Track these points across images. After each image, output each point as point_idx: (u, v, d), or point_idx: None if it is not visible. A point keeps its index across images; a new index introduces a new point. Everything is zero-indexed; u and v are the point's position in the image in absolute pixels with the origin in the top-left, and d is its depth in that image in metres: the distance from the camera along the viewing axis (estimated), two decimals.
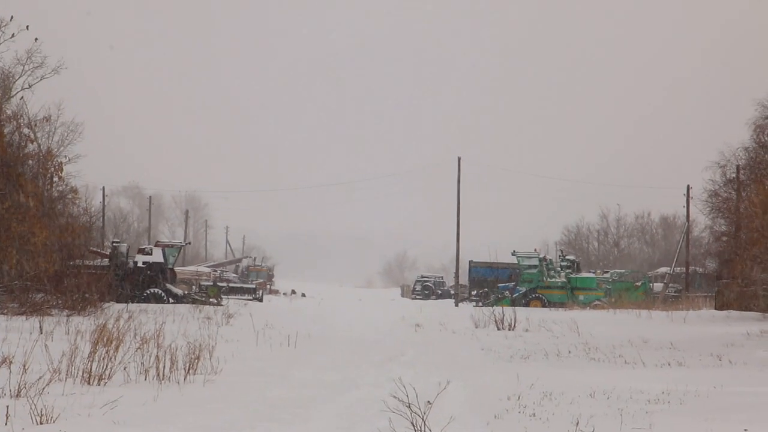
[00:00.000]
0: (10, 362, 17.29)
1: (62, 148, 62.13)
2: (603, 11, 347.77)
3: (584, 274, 72.84)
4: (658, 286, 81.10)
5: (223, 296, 61.50)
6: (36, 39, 47.07)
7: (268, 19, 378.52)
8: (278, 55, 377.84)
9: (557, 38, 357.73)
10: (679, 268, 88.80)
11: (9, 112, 46.64)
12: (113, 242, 59.26)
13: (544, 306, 65.53)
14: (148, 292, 54.43)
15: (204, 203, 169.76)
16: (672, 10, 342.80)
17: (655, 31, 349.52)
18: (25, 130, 47.65)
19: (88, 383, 16.65)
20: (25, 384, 14.59)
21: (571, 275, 69.89)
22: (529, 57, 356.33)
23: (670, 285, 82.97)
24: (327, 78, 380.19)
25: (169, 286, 56.01)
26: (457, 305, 78.10)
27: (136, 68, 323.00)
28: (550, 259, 72.98)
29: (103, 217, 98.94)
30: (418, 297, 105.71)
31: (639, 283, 73.91)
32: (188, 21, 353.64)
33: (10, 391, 14.47)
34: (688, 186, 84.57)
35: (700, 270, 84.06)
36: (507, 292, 69.56)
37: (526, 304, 65.54)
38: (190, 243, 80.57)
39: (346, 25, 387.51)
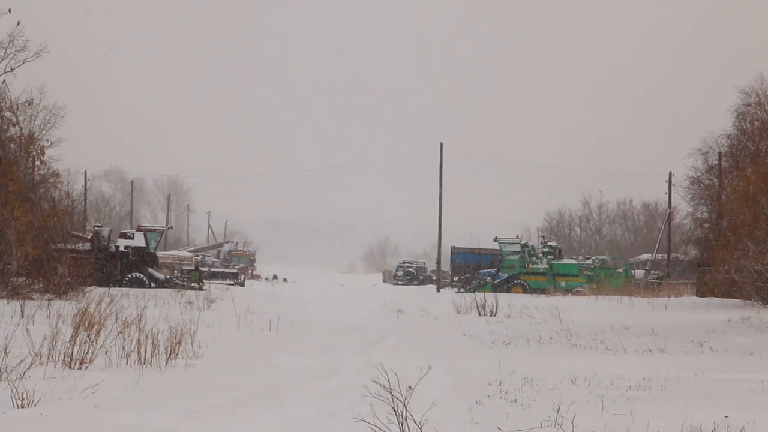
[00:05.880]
0: None
1: (44, 131, 61.78)
2: (591, 1, 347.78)
3: (566, 261, 73.01)
4: (639, 273, 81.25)
5: (204, 281, 61.46)
6: (18, 23, 46.77)
7: (256, 8, 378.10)
8: (262, 43, 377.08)
9: (546, 28, 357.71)
10: (660, 255, 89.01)
11: None
12: (95, 226, 59.21)
13: (525, 292, 65.67)
14: (130, 276, 54.40)
15: (186, 188, 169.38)
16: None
17: (640, 21, 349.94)
18: (7, 114, 47.46)
19: (70, 367, 16.63)
20: (6, 367, 14.56)
21: (553, 261, 70.06)
22: (517, 46, 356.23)
23: (652, 271, 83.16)
24: (311, 64, 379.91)
25: (150, 270, 55.97)
26: (438, 291, 78.16)
27: (122, 59, 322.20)
28: (532, 246, 73.11)
29: (85, 201, 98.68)
30: (399, 283, 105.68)
31: (621, 270, 74.01)
32: (176, 7, 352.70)
33: None
34: (670, 173, 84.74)
35: (682, 257, 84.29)
36: (489, 278, 69.65)
37: (508, 290, 65.67)
38: (172, 227, 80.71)
39: (331, 12, 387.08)
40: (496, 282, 68.01)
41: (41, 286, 39.46)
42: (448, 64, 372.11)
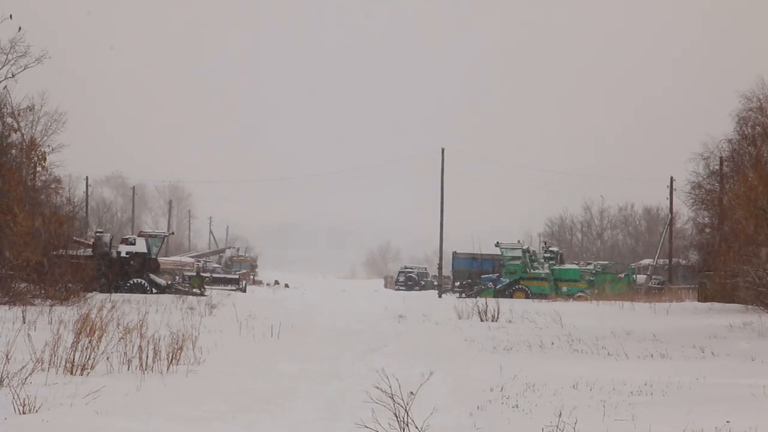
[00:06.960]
0: None
1: (45, 137, 61.77)
2: (593, 5, 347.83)
3: (567, 266, 73.07)
4: (641, 278, 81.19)
5: (206, 287, 61.44)
6: (20, 28, 46.82)
7: (257, 11, 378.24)
8: (264, 47, 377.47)
9: (547, 32, 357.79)
10: (662, 260, 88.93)
11: None
12: (96, 232, 59.23)
13: (527, 297, 65.66)
14: (132, 282, 54.36)
15: (187, 193, 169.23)
16: (659, 5, 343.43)
17: (642, 26, 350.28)
18: (9, 120, 47.46)
19: (71, 373, 16.62)
20: (8, 374, 14.55)
21: (555, 267, 70.11)
22: (519, 51, 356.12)
23: (654, 277, 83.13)
24: (312, 69, 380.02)
25: (152, 276, 55.94)
26: (440, 296, 78.14)
27: (122, 59, 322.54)
28: (533, 251, 73.22)
29: (87, 206, 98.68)
30: (401, 288, 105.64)
31: (622, 275, 74.00)
32: (177, 10, 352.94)
33: None
34: (672, 178, 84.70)
35: (684, 262, 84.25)
36: (490, 284, 69.64)
37: (510, 296, 65.65)
38: (173, 233, 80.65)
39: (332, 16, 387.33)
40: (497, 287, 67.99)
41: (43, 291, 39.44)
42: (449, 68, 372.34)
